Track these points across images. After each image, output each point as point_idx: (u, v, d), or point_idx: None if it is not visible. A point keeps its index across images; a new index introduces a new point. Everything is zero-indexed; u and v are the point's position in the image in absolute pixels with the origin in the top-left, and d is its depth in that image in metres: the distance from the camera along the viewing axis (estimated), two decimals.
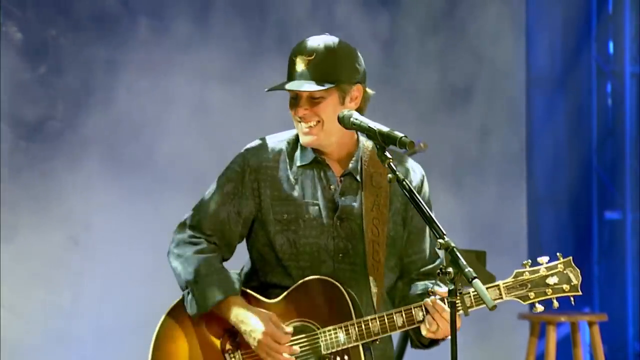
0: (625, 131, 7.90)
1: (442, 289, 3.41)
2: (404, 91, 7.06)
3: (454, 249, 3.08)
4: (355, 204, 3.53)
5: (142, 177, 6.32)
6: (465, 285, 3.12)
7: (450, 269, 3.06)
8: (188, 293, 3.47)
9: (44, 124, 6.18)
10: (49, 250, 6.14)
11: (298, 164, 3.54)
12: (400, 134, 3.25)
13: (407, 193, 3.20)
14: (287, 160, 3.54)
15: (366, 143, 3.59)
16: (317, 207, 3.50)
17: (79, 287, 6.18)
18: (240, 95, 6.55)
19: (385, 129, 3.29)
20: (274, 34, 6.65)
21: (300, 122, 3.48)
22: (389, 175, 3.21)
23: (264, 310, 3.44)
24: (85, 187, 6.23)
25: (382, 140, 3.27)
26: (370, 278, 3.51)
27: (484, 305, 3.26)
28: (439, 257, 3.64)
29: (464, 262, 3.06)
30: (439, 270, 3.07)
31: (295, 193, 3.51)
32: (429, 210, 3.17)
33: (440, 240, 3.10)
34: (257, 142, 3.59)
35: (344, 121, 3.42)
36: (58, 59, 6.21)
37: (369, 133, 3.33)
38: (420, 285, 3.58)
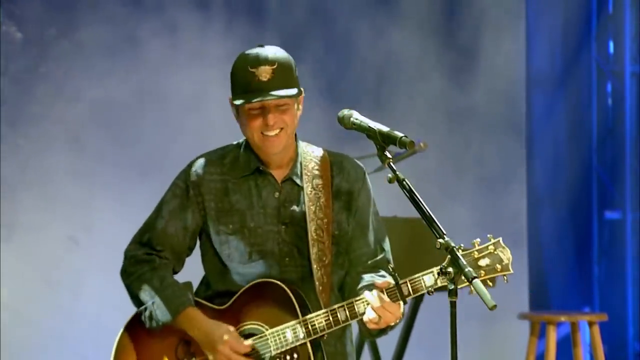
0: (625, 131, 7.89)
1: (380, 280, 3.47)
2: (404, 91, 7.06)
3: (454, 248, 3.09)
4: (298, 208, 3.59)
5: (143, 177, 6.32)
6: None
7: (450, 269, 3.08)
8: (145, 309, 3.56)
9: (44, 123, 6.18)
10: (49, 250, 6.14)
11: (242, 174, 3.59)
12: (400, 134, 3.26)
13: (407, 193, 3.21)
14: (229, 172, 3.60)
15: (305, 148, 3.66)
16: (260, 215, 3.57)
17: (79, 287, 6.18)
18: None
19: (385, 128, 3.31)
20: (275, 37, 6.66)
21: (265, 131, 3.51)
22: (389, 175, 3.23)
23: (221, 323, 3.51)
24: (85, 187, 6.23)
25: (382, 140, 3.29)
26: (317, 279, 3.55)
27: (421, 293, 3.40)
28: (384, 250, 3.68)
29: (464, 262, 3.07)
30: (438, 270, 3.09)
31: (239, 203, 3.57)
32: (429, 210, 3.18)
33: (440, 240, 3.11)
34: (199, 157, 3.66)
35: (344, 121, 3.43)
36: (58, 59, 6.21)
37: (369, 133, 3.34)
38: (366, 278, 3.61)
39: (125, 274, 3.66)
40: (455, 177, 7.10)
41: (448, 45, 7.17)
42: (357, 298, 3.49)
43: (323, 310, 3.49)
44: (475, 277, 3.05)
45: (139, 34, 6.37)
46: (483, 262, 3.49)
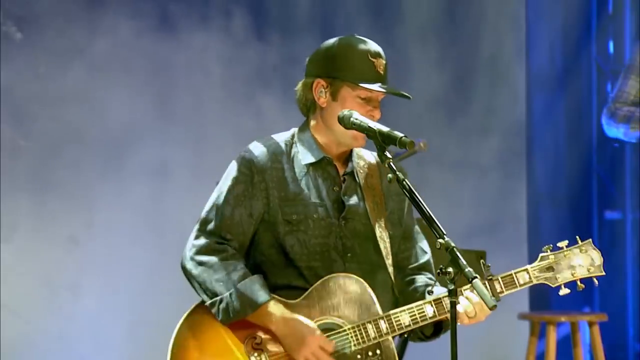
0: None
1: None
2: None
3: (454, 248, 3.10)
4: (358, 204, 3.55)
5: (143, 177, 6.32)
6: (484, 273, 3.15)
7: (450, 269, 3.08)
8: (220, 301, 3.41)
9: (44, 123, 6.18)
10: (49, 250, 6.14)
11: (304, 162, 3.53)
12: (400, 134, 3.28)
13: (407, 193, 3.22)
14: (290, 161, 3.54)
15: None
16: (323, 207, 3.51)
17: (79, 287, 6.18)
18: (239, 97, 6.55)
19: (385, 129, 3.32)
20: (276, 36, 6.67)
21: None
22: (389, 175, 3.24)
23: (305, 318, 3.42)
24: (85, 186, 6.23)
25: (382, 140, 3.29)
26: (382, 275, 3.54)
27: (515, 291, 3.39)
28: (426, 252, 3.68)
29: (464, 262, 3.08)
30: (438, 270, 3.09)
31: (302, 193, 3.51)
32: (429, 210, 3.18)
33: (440, 240, 3.12)
34: (258, 144, 3.57)
35: (344, 121, 3.44)
36: (58, 59, 6.21)
37: (369, 133, 3.36)
38: (420, 279, 3.61)
39: (192, 262, 3.46)
40: (454, 177, 7.10)
41: (448, 45, 7.17)
42: (443, 294, 3.44)
43: (408, 306, 3.45)
44: (475, 277, 3.05)
45: (139, 34, 6.36)
46: (575, 262, 3.52)
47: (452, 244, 3.10)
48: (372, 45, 3.52)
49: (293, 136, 3.59)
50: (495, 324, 6.87)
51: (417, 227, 3.68)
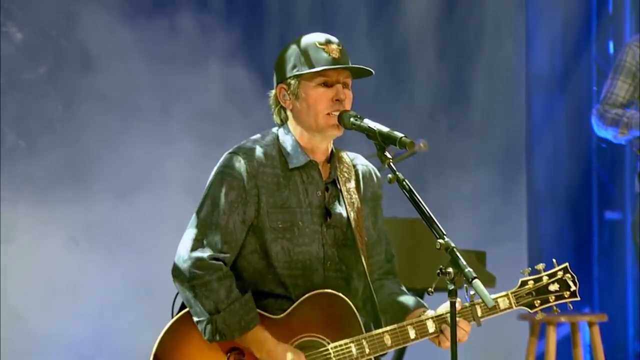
0: None
1: (410, 298, 3.52)
2: (404, 91, 7.06)
3: (454, 249, 3.10)
4: (340, 210, 3.53)
5: (143, 178, 6.32)
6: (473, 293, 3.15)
7: (450, 269, 3.08)
8: (209, 321, 3.37)
9: (43, 124, 6.18)
10: (48, 251, 6.14)
11: (290, 166, 3.49)
12: (400, 134, 3.27)
13: (407, 193, 3.22)
14: (277, 164, 3.50)
15: (335, 150, 3.59)
16: (307, 214, 3.49)
17: (79, 287, 6.18)
18: (239, 99, 6.56)
19: (385, 129, 3.31)
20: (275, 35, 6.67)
21: (333, 107, 3.44)
22: (389, 176, 3.23)
23: (291, 347, 3.39)
24: (85, 187, 6.23)
25: (382, 141, 3.29)
26: (360, 283, 3.54)
27: (496, 315, 3.41)
28: (393, 255, 3.68)
29: (464, 262, 3.08)
30: (438, 271, 3.09)
31: (289, 200, 3.48)
32: (429, 211, 3.18)
33: (440, 241, 3.12)
34: (247, 145, 3.52)
35: (343, 121, 3.42)
36: (58, 59, 6.21)
37: (369, 133, 3.34)
38: (388, 285, 3.62)
39: (185, 277, 3.39)
40: (454, 178, 7.10)
41: (448, 46, 7.18)
42: (427, 316, 3.46)
43: (392, 327, 3.45)
44: (475, 277, 3.05)
45: (139, 34, 6.37)
46: (552, 288, 3.56)
47: (452, 244, 3.10)
48: (320, 36, 3.49)
49: (277, 137, 3.53)
50: (495, 324, 6.87)
51: (385, 230, 3.67)
